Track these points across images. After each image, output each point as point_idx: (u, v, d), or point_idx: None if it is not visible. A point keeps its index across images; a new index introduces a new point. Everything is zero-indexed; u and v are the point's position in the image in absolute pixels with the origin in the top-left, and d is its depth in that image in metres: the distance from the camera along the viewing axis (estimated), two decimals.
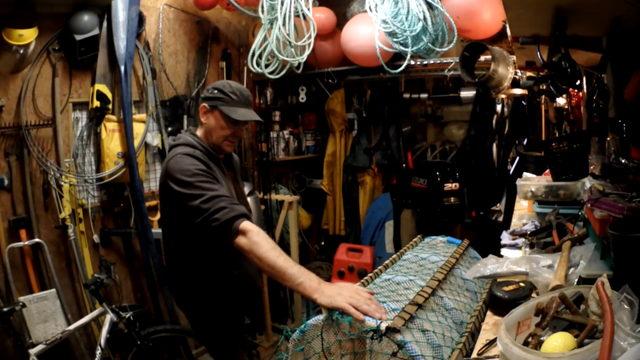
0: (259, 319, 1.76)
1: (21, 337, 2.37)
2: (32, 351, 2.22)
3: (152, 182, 3.38)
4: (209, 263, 1.90)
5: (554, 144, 2.15)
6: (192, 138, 1.88)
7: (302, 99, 4.14)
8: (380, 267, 1.58)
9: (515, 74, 3.02)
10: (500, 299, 1.39)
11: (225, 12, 3.68)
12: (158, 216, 3.29)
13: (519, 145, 3.58)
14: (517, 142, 3.60)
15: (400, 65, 2.94)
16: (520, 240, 1.94)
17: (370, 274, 1.52)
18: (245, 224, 1.58)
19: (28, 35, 2.54)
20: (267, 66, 3.13)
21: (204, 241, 1.82)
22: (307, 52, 3.11)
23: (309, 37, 3.07)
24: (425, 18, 2.67)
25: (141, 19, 3.13)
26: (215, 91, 1.86)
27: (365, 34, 3.12)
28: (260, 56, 3.11)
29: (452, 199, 3.39)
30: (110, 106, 2.94)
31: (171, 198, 1.74)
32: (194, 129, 1.95)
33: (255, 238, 1.56)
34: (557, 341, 0.89)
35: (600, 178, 1.75)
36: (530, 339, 0.98)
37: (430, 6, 2.71)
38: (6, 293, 2.57)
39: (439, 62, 3.28)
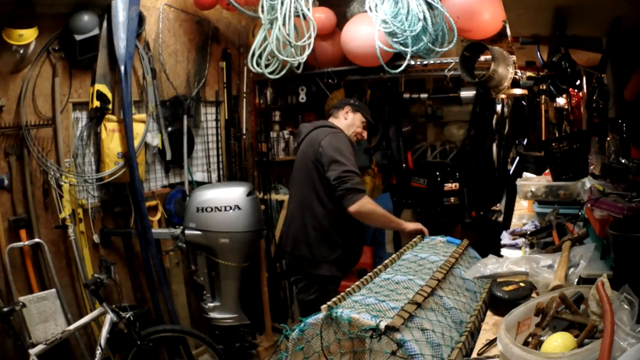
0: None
1: (21, 337, 2.36)
2: (32, 351, 2.22)
3: (152, 182, 3.38)
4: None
5: (554, 144, 2.15)
6: (338, 127, 2.59)
7: (302, 99, 4.14)
8: (380, 267, 1.58)
9: (515, 74, 3.02)
10: (500, 299, 1.39)
11: (225, 12, 3.68)
12: (158, 216, 3.30)
13: (519, 145, 3.58)
14: (517, 142, 3.59)
15: (400, 65, 2.94)
16: (520, 240, 1.94)
17: (370, 273, 1.52)
18: (364, 198, 2.33)
19: (28, 35, 2.54)
20: (267, 66, 3.13)
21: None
22: (307, 52, 3.11)
23: (309, 37, 3.07)
24: (425, 18, 2.67)
25: (141, 19, 3.13)
26: (357, 102, 2.72)
27: (365, 34, 3.12)
28: (260, 56, 3.10)
29: (452, 199, 3.39)
30: (110, 106, 2.94)
31: None
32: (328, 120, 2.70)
33: (370, 206, 2.37)
34: (557, 341, 0.89)
35: (600, 178, 1.76)
36: (530, 339, 0.98)
37: (430, 6, 2.71)
38: (6, 293, 2.57)
39: (439, 62, 3.27)
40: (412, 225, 2.35)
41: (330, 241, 2.44)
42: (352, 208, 2.28)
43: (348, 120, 2.57)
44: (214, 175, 3.82)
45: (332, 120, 2.62)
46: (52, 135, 2.83)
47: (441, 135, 3.94)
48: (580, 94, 3.54)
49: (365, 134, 2.63)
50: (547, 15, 1.86)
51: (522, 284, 1.42)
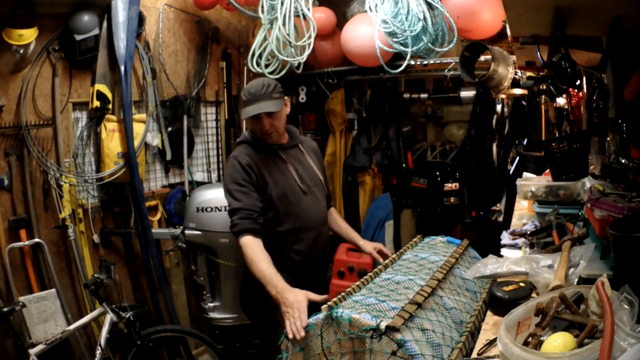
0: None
1: (21, 337, 2.36)
2: (32, 351, 2.22)
3: (152, 182, 3.38)
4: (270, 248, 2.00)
5: (554, 144, 2.15)
6: (250, 134, 2.14)
7: (302, 99, 4.13)
8: (380, 267, 1.58)
9: (515, 74, 3.02)
10: (500, 299, 1.39)
11: (225, 12, 3.68)
12: (158, 216, 3.29)
13: (519, 145, 3.58)
14: (517, 142, 3.59)
15: (400, 65, 2.94)
16: (520, 240, 1.94)
17: (370, 274, 1.52)
18: (242, 240, 1.91)
19: (28, 35, 2.54)
20: (267, 66, 3.13)
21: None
22: (307, 52, 3.11)
23: (309, 37, 3.07)
24: (425, 18, 2.67)
25: (141, 19, 3.13)
26: (242, 95, 2.07)
27: (365, 34, 3.12)
28: (260, 56, 3.11)
29: (452, 199, 3.39)
30: (110, 106, 2.94)
31: None
32: None
33: (244, 253, 1.90)
34: (557, 341, 0.89)
35: (600, 178, 1.76)
36: (530, 339, 0.98)
37: (430, 6, 2.71)
38: (6, 293, 2.57)
39: (439, 62, 3.27)
40: (289, 297, 1.60)
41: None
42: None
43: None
44: (214, 175, 3.82)
45: None
46: (52, 135, 2.83)
47: (441, 135, 3.94)
48: (580, 94, 3.54)
49: (263, 126, 2.02)
50: (547, 15, 1.86)
51: (522, 284, 1.42)
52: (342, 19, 3.49)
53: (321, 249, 2.18)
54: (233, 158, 2.05)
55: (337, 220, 2.40)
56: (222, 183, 2.11)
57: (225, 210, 3.03)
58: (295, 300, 1.54)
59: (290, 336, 1.34)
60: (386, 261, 1.65)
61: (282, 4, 2.95)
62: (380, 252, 2.19)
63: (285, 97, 2.11)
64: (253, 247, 1.88)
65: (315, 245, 2.13)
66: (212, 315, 3.23)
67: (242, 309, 2.28)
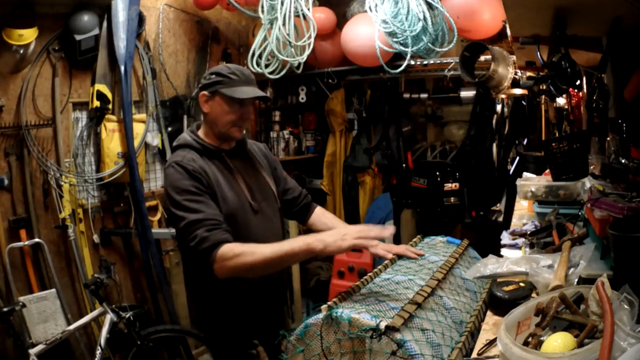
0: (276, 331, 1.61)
1: (21, 337, 2.36)
2: (32, 351, 2.22)
3: (152, 182, 3.38)
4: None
5: (554, 144, 2.15)
6: (191, 137, 1.74)
7: (302, 99, 4.14)
8: (379, 267, 1.58)
9: (515, 74, 3.02)
10: (500, 299, 1.39)
11: (225, 12, 3.68)
12: (158, 216, 3.29)
13: (519, 145, 3.58)
14: (517, 142, 3.60)
15: (400, 65, 2.94)
16: (520, 240, 1.94)
17: (370, 274, 1.52)
18: (220, 251, 1.49)
19: (28, 35, 2.54)
20: (267, 66, 3.13)
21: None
22: (307, 52, 3.11)
23: (309, 37, 3.07)
24: (425, 18, 2.67)
25: (141, 19, 3.13)
26: (213, 76, 1.70)
27: (365, 34, 3.12)
28: (260, 56, 3.11)
29: (452, 199, 3.39)
30: (110, 106, 2.94)
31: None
32: (196, 126, 1.81)
33: (233, 259, 1.48)
34: (557, 341, 0.89)
35: (600, 178, 1.75)
36: (530, 339, 0.98)
37: (430, 6, 2.71)
38: (6, 293, 2.57)
39: (439, 62, 3.27)
40: (331, 248, 1.40)
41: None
42: (215, 269, 1.52)
43: (210, 114, 1.72)
44: None
45: (202, 120, 1.80)
46: (52, 135, 2.83)
47: (441, 135, 3.94)
48: (580, 94, 3.54)
49: (247, 115, 1.74)
50: (547, 15, 1.86)
51: (522, 284, 1.42)
52: (342, 19, 3.49)
53: (276, 277, 1.80)
54: (175, 164, 1.63)
55: (330, 224, 1.94)
56: (167, 192, 1.64)
57: None
58: (341, 234, 1.38)
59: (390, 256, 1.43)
60: (386, 261, 1.64)
61: (282, 4, 2.96)
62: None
63: None
64: (240, 244, 1.52)
65: (269, 274, 1.69)
66: None
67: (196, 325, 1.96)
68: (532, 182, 2.21)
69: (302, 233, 4.15)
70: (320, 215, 1.99)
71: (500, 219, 3.43)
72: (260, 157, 1.91)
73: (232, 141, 1.78)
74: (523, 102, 3.55)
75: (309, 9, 3.02)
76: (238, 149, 1.81)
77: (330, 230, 1.45)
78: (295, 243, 1.46)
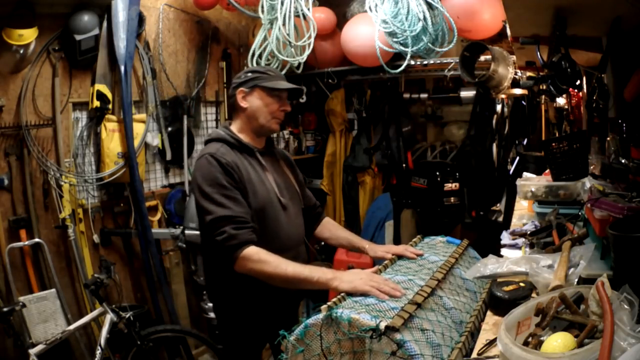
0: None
1: (21, 337, 2.36)
2: (32, 351, 2.22)
3: (152, 182, 3.38)
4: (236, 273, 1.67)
5: (554, 144, 2.15)
6: (225, 132, 1.80)
7: (302, 99, 4.11)
8: (379, 267, 1.58)
9: (515, 74, 3.02)
10: (500, 299, 1.39)
11: (225, 12, 3.68)
12: (158, 216, 3.29)
13: (519, 145, 3.58)
14: (517, 142, 3.59)
15: (400, 65, 2.94)
16: (520, 240, 1.94)
17: None
18: (246, 252, 1.57)
19: (28, 35, 2.54)
20: (267, 66, 3.13)
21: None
22: (307, 52, 3.11)
23: (309, 37, 3.07)
24: (425, 18, 2.67)
25: (141, 19, 3.13)
26: (249, 73, 1.81)
27: (365, 34, 3.12)
28: (260, 56, 3.11)
29: (452, 199, 3.39)
30: (110, 106, 2.94)
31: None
32: (229, 123, 1.86)
33: (257, 263, 1.56)
34: (557, 341, 0.89)
35: (600, 178, 1.76)
36: (530, 339, 0.98)
37: (430, 6, 2.71)
38: (6, 293, 2.57)
39: (439, 62, 3.27)
40: (345, 285, 1.39)
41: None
42: (236, 267, 1.60)
43: (249, 109, 1.79)
44: None
45: (234, 119, 1.87)
46: (52, 135, 2.83)
47: (441, 135, 3.94)
48: (580, 94, 3.54)
49: (286, 106, 1.83)
50: (547, 15, 1.86)
51: (522, 284, 1.42)
52: (342, 19, 3.49)
53: None
54: (208, 155, 1.66)
55: (334, 231, 2.05)
56: (193, 186, 1.68)
57: None
58: (358, 276, 1.39)
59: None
60: (386, 261, 1.64)
61: (282, 4, 2.96)
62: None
63: None
64: (267, 253, 1.57)
65: None
66: (212, 315, 3.23)
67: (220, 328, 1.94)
68: (532, 182, 2.21)
69: None
70: (332, 229, 2.07)
71: (500, 219, 3.43)
72: (285, 161, 2.00)
73: (263, 139, 1.88)
74: (523, 102, 3.54)
75: (309, 9, 3.02)
76: (268, 148, 1.90)
77: (350, 271, 1.49)
78: (316, 272, 1.51)
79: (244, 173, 1.70)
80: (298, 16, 3.03)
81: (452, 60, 3.20)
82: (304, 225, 1.99)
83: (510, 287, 1.41)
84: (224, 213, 1.60)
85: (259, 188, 1.72)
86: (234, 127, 1.84)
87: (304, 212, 1.98)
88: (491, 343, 1.19)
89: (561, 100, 4.06)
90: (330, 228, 2.06)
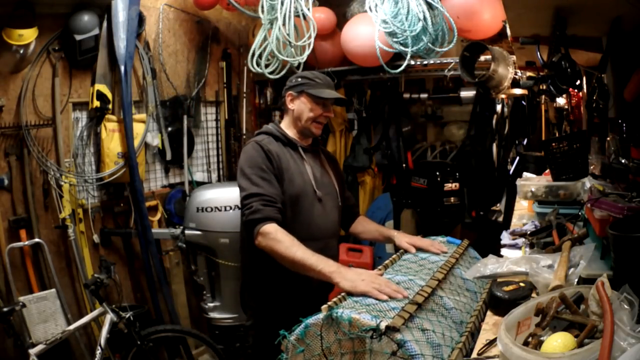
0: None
1: (21, 337, 2.36)
2: (32, 351, 2.22)
3: (152, 182, 3.38)
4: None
5: (554, 144, 2.15)
6: (274, 127, 2.00)
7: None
8: (380, 267, 1.58)
9: (515, 74, 3.01)
10: (500, 299, 1.39)
11: (225, 12, 3.68)
12: (158, 216, 3.29)
13: (519, 145, 3.58)
14: (517, 142, 3.59)
15: (400, 65, 2.94)
16: (520, 240, 1.94)
17: None
18: (266, 227, 1.69)
19: (28, 35, 2.54)
20: (267, 66, 3.13)
21: None
22: (307, 52, 3.11)
23: (309, 37, 3.07)
24: (425, 18, 2.67)
25: (141, 19, 3.13)
26: (300, 79, 1.98)
27: (365, 34, 3.12)
28: (260, 56, 3.11)
29: (452, 199, 3.39)
30: (110, 106, 2.94)
31: None
32: (279, 121, 2.08)
33: (272, 240, 1.67)
34: (557, 341, 0.89)
35: (600, 178, 1.76)
36: (530, 339, 0.98)
37: (430, 6, 2.71)
38: (6, 293, 2.57)
39: (439, 62, 3.27)
40: (346, 283, 1.44)
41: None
42: (256, 242, 1.73)
43: (295, 111, 1.98)
44: (214, 175, 3.82)
45: (283, 117, 2.09)
46: (52, 135, 2.83)
47: (441, 135, 3.94)
48: (580, 94, 3.54)
49: (329, 112, 2.00)
50: (547, 15, 1.86)
51: (522, 284, 1.42)
52: (342, 19, 3.49)
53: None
54: (254, 142, 1.88)
55: (366, 225, 2.20)
56: (240, 163, 1.87)
57: (226, 210, 3.06)
58: (361, 276, 1.41)
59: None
60: (386, 261, 1.65)
61: (282, 4, 2.95)
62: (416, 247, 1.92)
63: None
64: (285, 233, 1.67)
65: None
66: (212, 315, 3.23)
67: (242, 308, 2.18)
68: (532, 182, 2.21)
69: None
70: (365, 224, 2.21)
71: (500, 219, 3.43)
72: (329, 160, 2.15)
73: (309, 138, 2.04)
74: (523, 102, 3.54)
75: (309, 9, 3.01)
76: (313, 147, 2.07)
77: (354, 269, 1.53)
78: (321, 263, 1.58)
79: (283, 161, 1.87)
80: (298, 16, 3.03)
81: (452, 60, 3.20)
82: (341, 223, 2.12)
83: (510, 287, 1.41)
84: (254, 190, 1.76)
85: (296, 177, 1.88)
86: (283, 124, 2.04)
87: (343, 211, 2.11)
88: (491, 343, 1.19)
89: (561, 100, 4.06)
90: (363, 223, 2.22)
